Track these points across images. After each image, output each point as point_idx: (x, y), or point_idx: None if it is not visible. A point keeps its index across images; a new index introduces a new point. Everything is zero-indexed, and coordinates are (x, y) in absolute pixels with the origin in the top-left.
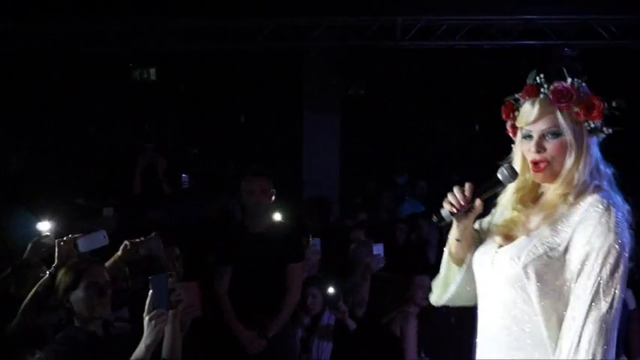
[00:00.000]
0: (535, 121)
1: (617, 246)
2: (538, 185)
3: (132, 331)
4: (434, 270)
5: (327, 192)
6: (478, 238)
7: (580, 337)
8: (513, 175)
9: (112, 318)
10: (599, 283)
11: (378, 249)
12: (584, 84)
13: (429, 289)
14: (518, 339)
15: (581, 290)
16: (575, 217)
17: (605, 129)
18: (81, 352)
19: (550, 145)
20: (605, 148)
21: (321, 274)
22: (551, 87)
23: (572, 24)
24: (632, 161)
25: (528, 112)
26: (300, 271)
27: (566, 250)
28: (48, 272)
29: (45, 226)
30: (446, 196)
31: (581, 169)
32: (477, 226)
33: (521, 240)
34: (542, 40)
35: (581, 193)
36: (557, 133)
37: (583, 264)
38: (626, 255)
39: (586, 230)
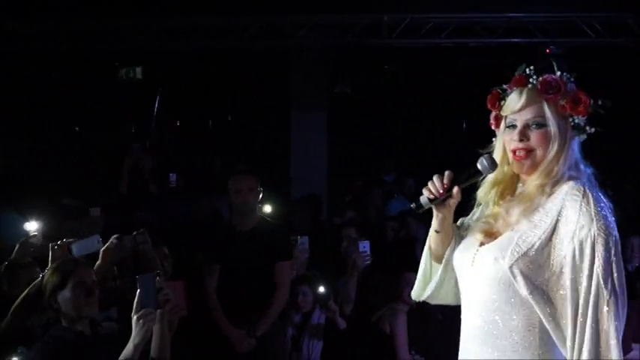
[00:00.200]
0: (521, 109)
1: (603, 232)
2: (516, 178)
3: (120, 330)
4: None
5: (315, 190)
6: (458, 235)
7: (594, 330)
8: (493, 165)
9: (100, 318)
10: (597, 274)
11: (364, 246)
12: (572, 79)
13: None
14: (500, 337)
15: (582, 285)
16: (553, 206)
17: (587, 128)
18: (68, 352)
19: (533, 134)
20: (593, 146)
21: (311, 272)
22: (540, 78)
23: (557, 22)
24: (620, 157)
25: (515, 100)
26: (289, 269)
27: (548, 241)
28: (41, 275)
29: (32, 226)
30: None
31: (561, 162)
32: (458, 222)
33: (502, 238)
34: (527, 38)
35: (557, 183)
36: (541, 124)
37: (574, 259)
38: (615, 235)
39: (569, 222)
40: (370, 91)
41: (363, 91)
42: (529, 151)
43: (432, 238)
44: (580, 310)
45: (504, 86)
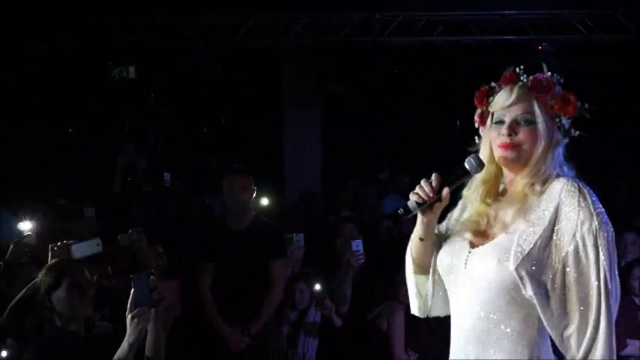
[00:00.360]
0: (511, 105)
1: (603, 226)
2: (500, 177)
3: (114, 330)
4: None
5: (310, 189)
6: (437, 242)
7: (605, 326)
8: (480, 165)
9: (95, 317)
10: (604, 269)
11: (358, 245)
12: (562, 81)
13: None
14: (501, 338)
15: (590, 280)
16: (549, 203)
17: (572, 130)
18: (63, 352)
19: (522, 130)
20: (587, 142)
21: (306, 270)
22: (531, 77)
23: (549, 19)
24: (613, 153)
25: (505, 96)
26: (283, 268)
27: (549, 238)
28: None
29: (26, 226)
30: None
31: (548, 161)
32: (435, 230)
33: (500, 239)
34: (519, 35)
35: (546, 181)
36: (530, 121)
37: (577, 255)
38: (612, 229)
39: (569, 219)
40: (363, 89)
41: (357, 89)
42: (516, 146)
43: (415, 248)
44: (592, 306)
45: (493, 84)
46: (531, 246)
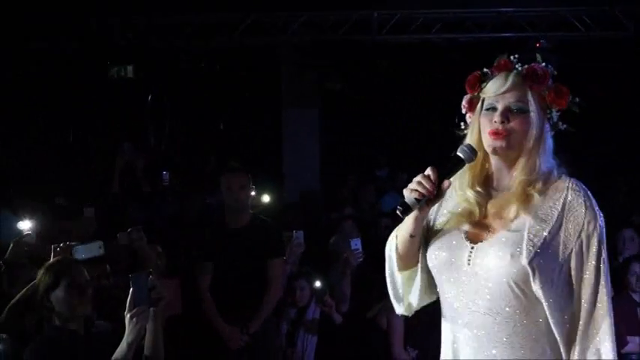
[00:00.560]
0: (505, 92)
1: (600, 225)
2: (486, 163)
3: (113, 329)
4: None
5: (308, 187)
6: (423, 237)
7: (608, 323)
8: (474, 152)
9: (94, 317)
10: (604, 266)
11: (356, 243)
12: (555, 73)
13: None
14: (512, 334)
15: (590, 277)
16: (555, 202)
17: (560, 124)
18: (62, 351)
19: (514, 118)
20: (585, 137)
21: (304, 268)
22: (526, 66)
23: (546, 16)
24: (611, 149)
25: (500, 83)
26: (281, 266)
27: (557, 235)
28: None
29: (26, 225)
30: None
31: (540, 154)
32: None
33: (506, 234)
34: (517, 33)
35: (547, 179)
36: (523, 109)
37: (581, 253)
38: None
39: (577, 217)
40: (361, 87)
41: (355, 87)
42: (508, 134)
43: (403, 245)
44: (598, 304)
45: (485, 70)
46: (542, 241)
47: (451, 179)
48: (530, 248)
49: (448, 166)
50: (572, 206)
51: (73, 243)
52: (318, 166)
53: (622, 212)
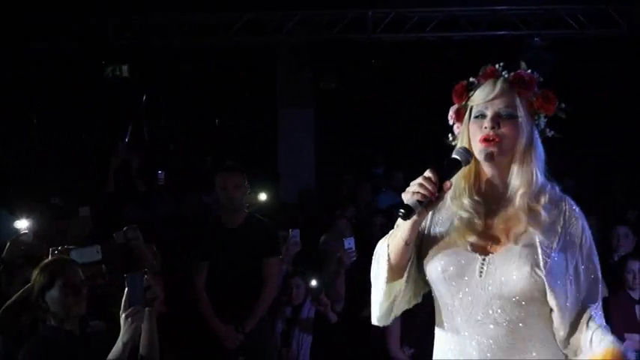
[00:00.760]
0: (494, 99)
1: (590, 233)
2: (477, 171)
3: (108, 329)
4: None
5: (304, 186)
6: (414, 247)
7: (603, 321)
8: (469, 154)
9: (88, 317)
10: (599, 273)
11: (350, 242)
12: (541, 79)
13: None
14: (527, 340)
15: (593, 282)
16: (559, 217)
17: (547, 130)
18: (57, 352)
19: (504, 124)
20: (584, 137)
21: (300, 268)
22: (513, 72)
23: (540, 14)
24: (608, 148)
25: (488, 90)
26: (276, 265)
27: (563, 247)
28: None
29: (23, 224)
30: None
31: (534, 161)
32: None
33: (518, 247)
34: (511, 31)
35: (546, 192)
36: (512, 115)
37: (584, 261)
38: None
39: (576, 230)
40: (357, 85)
41: (350, 85)
42: (499, 140)
43: (396, 252)
44: (598, 304)
45: (472, 79)
46: (553, 253)
47: (452, 180)
48: (547, 259)
49: (445, 170)
50: (571, 220)
51: (70, 247)
52: (314, 165)
53: (617, 209)
